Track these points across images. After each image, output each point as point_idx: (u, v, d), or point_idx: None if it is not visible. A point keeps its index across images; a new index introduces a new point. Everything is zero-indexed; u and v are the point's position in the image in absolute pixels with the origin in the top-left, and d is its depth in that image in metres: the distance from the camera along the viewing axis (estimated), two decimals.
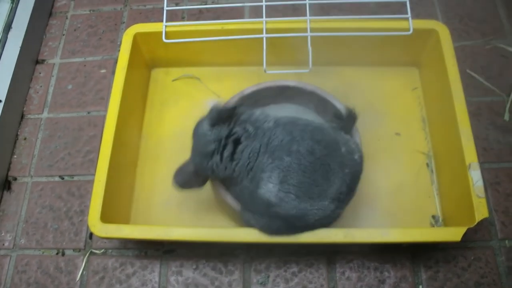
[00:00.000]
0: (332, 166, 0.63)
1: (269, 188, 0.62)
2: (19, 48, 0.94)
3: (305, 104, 0.84)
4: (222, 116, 0.64)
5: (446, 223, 0.77)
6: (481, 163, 0.82)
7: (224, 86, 0.91)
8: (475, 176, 0.69)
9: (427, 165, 0.83)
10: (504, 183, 0.81)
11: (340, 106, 0.78)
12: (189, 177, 0.69)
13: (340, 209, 0.66)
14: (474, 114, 0.87)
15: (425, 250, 0.76)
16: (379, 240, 0.66)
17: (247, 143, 0.63)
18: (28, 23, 0.98)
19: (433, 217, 0.78)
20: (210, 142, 0.64)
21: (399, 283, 0.74)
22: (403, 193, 0.80)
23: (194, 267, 0.77)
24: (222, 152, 0.64)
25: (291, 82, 0.81)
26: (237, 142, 0.64)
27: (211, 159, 0.64)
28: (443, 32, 0.81)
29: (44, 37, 1.03)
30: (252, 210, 0.66)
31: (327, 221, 0.66)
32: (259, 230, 0.67)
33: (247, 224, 0.68)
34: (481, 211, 0.67)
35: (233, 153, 0.64)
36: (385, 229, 0.66)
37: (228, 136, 0.64)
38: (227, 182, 0.70)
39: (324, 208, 0.63)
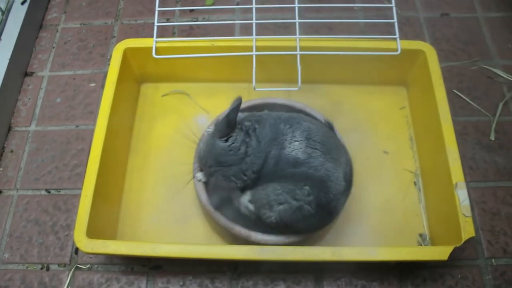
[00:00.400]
0: (338, 144, 0.69)
1: (296, 146, 0.65)
2: (8, 60, 0.94)
3: None
4: (232, 120, 0.65)
5: (433, 241, 0.77)
6: (468, 182, 0.84)
7: (213, 102, 0.91)
8: (462, 195, 0.70)
9: (415, 183, 0.83)
10: (490, 202, 0.82)
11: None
12: (223, 197, 0.71)
13: (345, 196, 0.68)
14: (461, 134, 0.89)
15: (413, 268, 0.77)
16: (366, 259, 0.66)
17: (261, 125, 0.67)
18: (18, 35, 0.97)
19: (421, 235, 0.78)
20: (237, 147, 0.65)
21: None
22: (391, 211, 0.80)
23: (181, 283, 0.76)
24: (250, 145, 0.66)
25: (279, 100, 0.82)
26: (254, 131, 0.67)
27: (246, 158, 0.66)
28: (430, 53, 0.83)
29: (34, 49, 1.03)
30: (280, 183, 0.66)
31: (339, 206, 0.68)
32: (287, 210, 0.65)
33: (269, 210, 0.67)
34: (467, 230, 0.67)
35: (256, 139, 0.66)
36: (373, 247, 0.66)
37: (246, 134, 0.66)
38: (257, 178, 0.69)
39: (339, 182, 0.66)
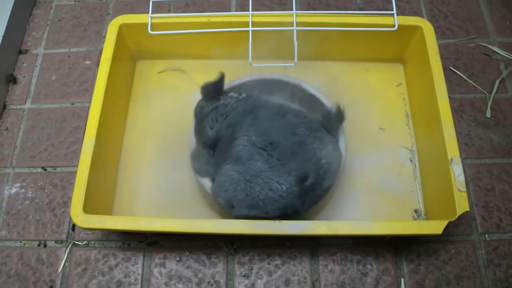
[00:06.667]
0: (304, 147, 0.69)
1: (243, 141, 0.68)
2: (1, 38, 0.92)
3: (290, 97, 0.84)
4: (209, 89, 0.74)
5: (428, 217, 0.78)
6: (463, 159, 0.84)
7: (209, 79, 0.89)
8: (457, 171, 0.70)
9: (410, 160, 0.83)
10: (485, 179, 0.82)
11: (325, 101, 0.78)
12: (201, 159, 0.75)
13: (308, 197, 0.68)
14: (457, 111, 0.89)
15: (407, 243, 0.77)
16: (362, 233, 0.66)
17: (233, 106, 0.73)
18: (11, 13, 0.96)
19: (416, 211, 0.79)
20: (204, 107, 0.74)
21: (382, 276, 0.75)
22: (386, 188, 0.81)
23: (177, 259, 0.77)
24: (213, 114, 0.73)
25: (276, 76, 0.81)
26: (225, 106, 0.73)
27: (207, 119, 0.73)
28: (428, 29, 0.82)
29: (27, 27, 1.02)
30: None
31: (296, 205, 0.68)
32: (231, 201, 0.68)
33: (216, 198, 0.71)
34: (462, 205, 0.67)
35: (222, 114, 0.73)
36: (368, 222, 0.67)
37: (218, 101, 0.74)
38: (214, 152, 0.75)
39: (288, 189, 0.66)
